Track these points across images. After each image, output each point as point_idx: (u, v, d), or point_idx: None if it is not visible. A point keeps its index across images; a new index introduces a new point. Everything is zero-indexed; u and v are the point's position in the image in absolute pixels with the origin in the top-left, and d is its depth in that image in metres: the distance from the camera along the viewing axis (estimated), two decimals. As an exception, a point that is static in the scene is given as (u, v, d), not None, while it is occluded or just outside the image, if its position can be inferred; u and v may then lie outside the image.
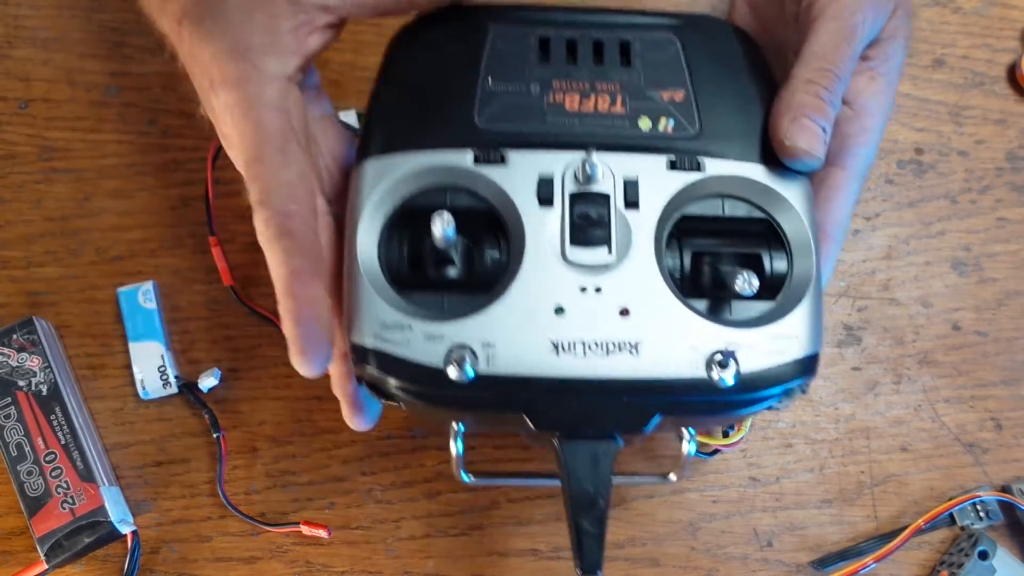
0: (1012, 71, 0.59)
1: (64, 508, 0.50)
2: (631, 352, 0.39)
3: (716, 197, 0.43)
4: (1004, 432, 0.54)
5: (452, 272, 0.41)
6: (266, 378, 0.54)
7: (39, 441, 0.51)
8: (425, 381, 0.39)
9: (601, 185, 0.41)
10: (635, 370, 0.39)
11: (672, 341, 0.40)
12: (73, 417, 0.51)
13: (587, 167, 0.41)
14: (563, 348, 0.39)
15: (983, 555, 0.50)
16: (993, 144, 0.58)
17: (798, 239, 0.42)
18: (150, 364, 0.53)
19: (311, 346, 0.39)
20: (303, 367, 0.40)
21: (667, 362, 0.39)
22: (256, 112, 0.41)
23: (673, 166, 0.42)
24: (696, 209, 0.42)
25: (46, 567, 0.49)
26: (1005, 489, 0.53)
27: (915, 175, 0.57)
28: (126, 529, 0.50)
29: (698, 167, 0.42)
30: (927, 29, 0.59)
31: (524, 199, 0.41)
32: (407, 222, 0.42)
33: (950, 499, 0.52)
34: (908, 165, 0.58)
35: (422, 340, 0.39)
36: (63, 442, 0.51)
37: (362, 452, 0.53)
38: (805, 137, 0.41)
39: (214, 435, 0.52)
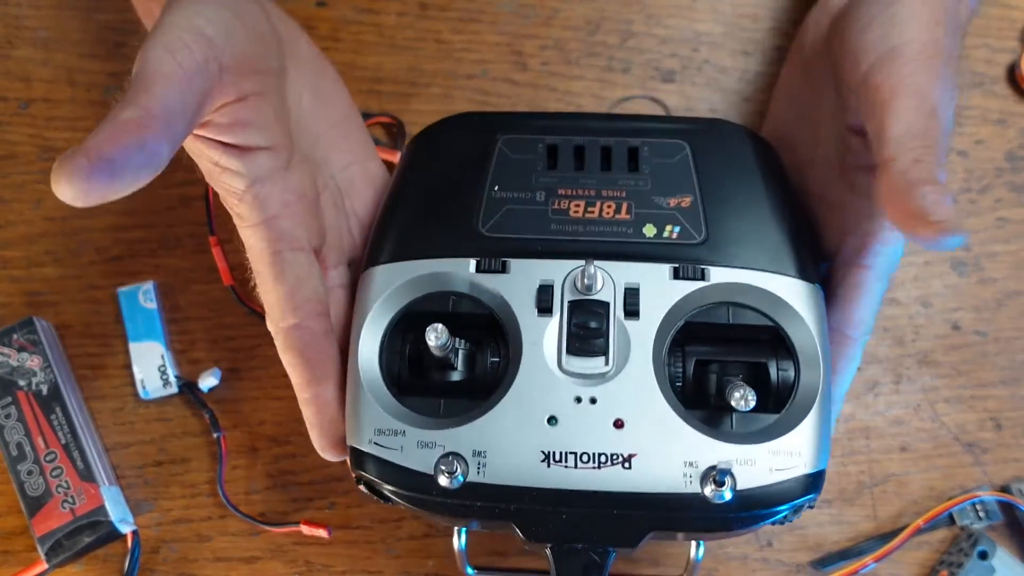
0: (1012, 71, 0.59)
1: (64, 508, 0.50)
2: (624, 465, 0.39)
3: (721, 305, 0.42)
4: (1004, 432, 0.54)
5: (453, 376, 0.42)
6: (266, 378, 0.54)
7: (39, 441, 0.51)
8: (416, 487, 0.40)
9: (601, 294, 0.41)
10: (627, 483, 0.39)
11: (667, 455, 0.39)
12: (73, 417, 0.51)
13: (586, 276, 0.41)
14: (554, 459, 0.39)
15: (983, 555, 0.50)
16: (993, 144, 0.58)
17: (806, 349, 0.41)
18: (150, 364, 0.53)
19: (328, 442, 0.44)
20: (325, 455, 0.44)
21: (661, 476, 0.39)
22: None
23: (676, 274, 0.42)
24: (701, 317, 0.42)
25: (46, 567, 0.49)
26: (1005, 489, 0.53)
27: (915, 175, 0.57)
28: (126, 529, 0.50)
29: (702, 276, 0.42)
30: (927, 29, 0.59)
31: (523, 307, 0.41)
32: (409, 327, 0.43)
33: (950, 499, 0.52)
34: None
35: (415, 447, 0.40)
36: (63, 442, 0.51)
37: (362, 452, 0.53)
38: (944, 210, 0.38)
39: (214, 435, 0.52)
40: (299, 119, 0.46)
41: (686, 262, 0.42)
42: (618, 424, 0.40)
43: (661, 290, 0.41)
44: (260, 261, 0.43)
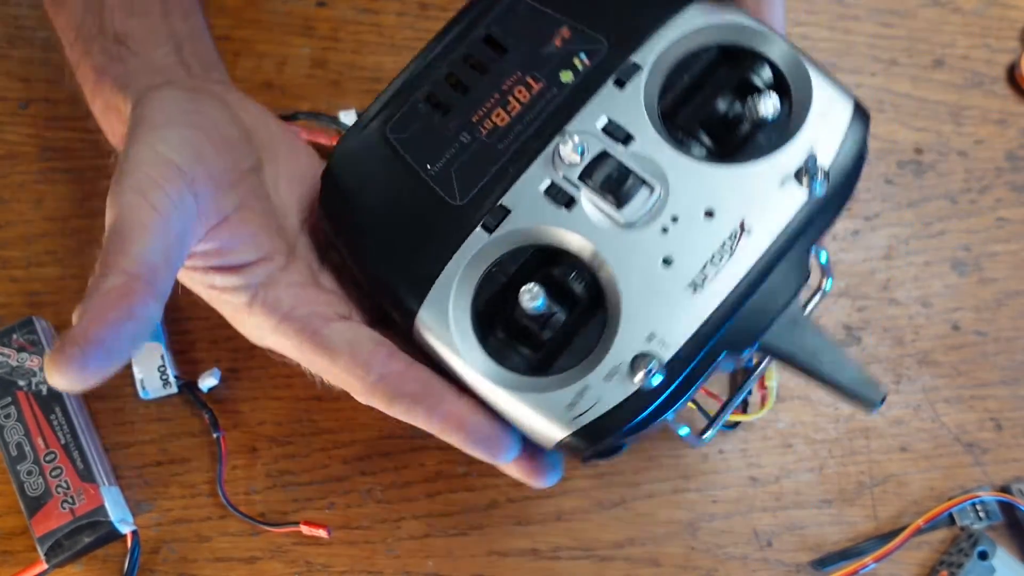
0: (1012, 71, 0.59)
1: (64, 508, 0.50)
2: (744, 234, 0.39)
3: (676, 69, 0.42)
4: (1004, 432, 0.54)
5: (559, 320, 0.40)
6: (266, 378, 0.54)
7: (39, 441, 0.51)
8: (638, 408, 0.39)
9: (591, 150, 0.41)
10: (759, 245, 0.39)
11: (757, 193, 0.40)
12: (73, 417, 0.51)
13: (566, 151, 0.40)
14: (698, 284, 0.39)
15: (983, 555, 0.50)
16: (993, 144, 0.58)
17: (764, 40, 0.42)
18: (150, 364, 0.53)
19: (501, 443, 0.41)
20: (506, 458, 0.41)
21: (774, 207, 0.39)
22: None
23: (620, 84, 0.42)
24: (672, 94, 0.42)
25: (46, 567, 0.49)
26: (1005, 489, 0.53)
27: (915, 175, 0.57)
28: (126, 529, 0.50)
29: (636, 67, 0.42)
30: (927, 29, 0.59)
31: (551, 217, 0.40)
32: (491, 327, 0.41)
33: (950, 499, 0.52)
34: (908, 165, 0.58)
35: (603, 384, 0.38)
36: (63, 442, 0.51)
37: (362, 452, 0.53)
38: None
39: (214, 435, 0.52)
40: (282, 208, 0.44)
41: (617, 70, 0.42)
42: (709, 214, 0.40)
43: (622, 105, 0.41)
44: (303, 353, 0.42)
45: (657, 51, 0.42)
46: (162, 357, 0.53)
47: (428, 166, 0.42)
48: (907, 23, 0.59)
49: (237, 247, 0.41)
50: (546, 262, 0.41)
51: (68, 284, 0.55)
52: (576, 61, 0.43)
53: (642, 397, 0.38)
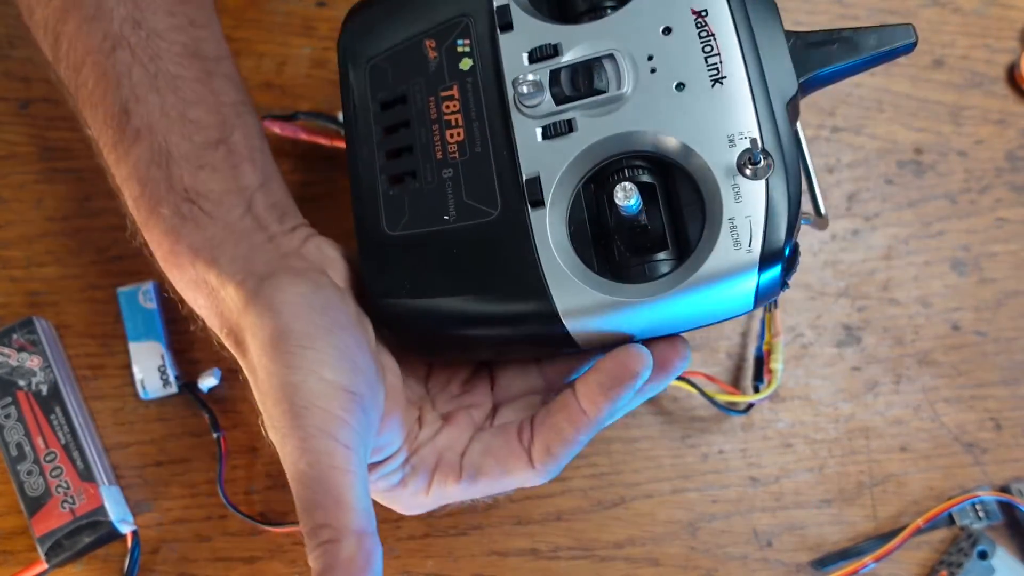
0: (1011, 71, 0.59)
1: (64, 508, 0.50)
2: (705, 15, 0.41)
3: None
4: (1003, 432, 0.54)
5: (653, 210, 0.40)
6: (266, 378, 0.54)
7: (39, 441, 0.51)
8: (780, 196, 0.39)
9: (542, 78, 0.41)
10: (722, 10, 0.41)
11: None
12: (73, 417, 0.51)
13: (527, 98, 0.41)
14: (716, 78, 0.40)
15: (982, 555, 0.50)
16: (992, 144, 0.58)
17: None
18: (150, 364, 0.53)
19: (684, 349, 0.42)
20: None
21: None
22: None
23: (506, 26, 0.42)
24: None
25: (46, 567, 0.49)
26: (1004, 489, 0.53)
27: (914, 175, 0.57)
28: (126, 529, 0.50)
29: (505, 6, 0.43)
30: (926, 29, 0.59)
31: (569, 149, 0.41)
32: (612, 266, 0.41)
33: (949, 499, 0.52)
34: (907, 165, 0.58)
35: (738, 207, 0.38)
36: (63, 442, 0.51)
37: (362, 452, 0.53)
38: None
39: (214, 435, 0.52)
40: (394, 385, 0.43)
41: (494, 20, 0.43)
42: (666, 30, 0.41)
43: (524, 34, 0.42)
44: (471, 493, 0.42)
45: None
46: (162, 357, 0.53)
47: (445, 217, 0.42)
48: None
49: (391, 440, 0.41)
50: (600, 185, 0.41)
51: (68, 284, 0.55)
52: (460, 49, 0.43)
53: (774, 183, 0.38)
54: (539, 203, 0.40)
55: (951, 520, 0.52)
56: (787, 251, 0.39)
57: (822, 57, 0.41)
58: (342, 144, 0.54)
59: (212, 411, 0.53)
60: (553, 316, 0.39)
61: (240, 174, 0.43)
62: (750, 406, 0.53)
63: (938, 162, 0.58)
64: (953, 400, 0.54)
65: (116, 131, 0.42)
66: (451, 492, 0.42)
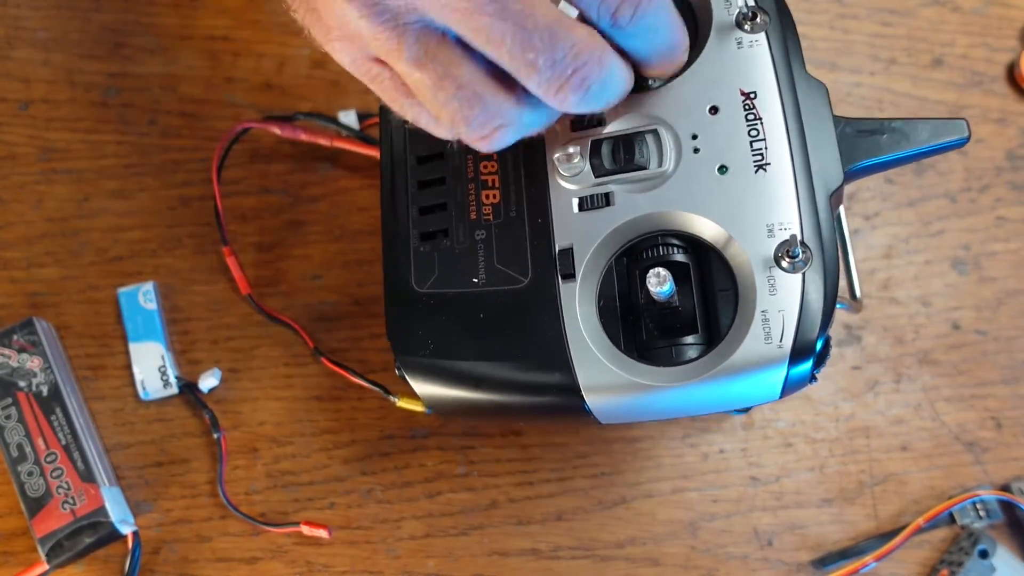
0: (1011, 70, 0.59)
1: (65, 509, 0.50)
2: (752, 97, 0.40)
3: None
4: (1004, 431, 0.54)
5: (685, 294, 0.40)
6: (266, 378, 0.54)
7: (40, 442, 0.51)
8: (815, 291, 0.38)
9: (583, 149, 0.41)
10: (772, 98, 0.40)
11: (731, 63, 0.40)
12: (74, 418, 0.51)
13: (565, 165, 0.40)
14: (760, 164, 0.39)
15: (983, 554, 0.50)
16: (992, 143, 0.58)
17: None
18: (150, 364, 0.53)
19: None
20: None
21: (757, 64, 0.40)
22: None
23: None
24: None
25: (47, 567, 0.49)
26: (1005, 488, 0.53)
27: (914, 174, 0.57)
28: (127, 529, 0.50)
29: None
30: (926, 28, 0.59)
31: (605, 222, 0.40)
32: (639, 347, 0.40)
33: (950, 498, 0.52)
34: (907, 165, 0.58)
35: (772, 299, 0.38)
36: (64, 443, 0.51)
37: (362, 452, 0.53)
38: None
39: (214, 435, 0.52)
40: None
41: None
42: (713, 110, 0.40)
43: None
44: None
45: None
46: (162, 358, 0.53)
47: (475, 280, 0.41)
48: (907, 22, 0.59)
49: None
50: (633, 261, 0.40)
51: (68, 285, 0.55)
52: None
53: (810, 278, 0.38)
54: (570, 276, 0.40)
55: (952, 519, 0.52)
56: (818, 346, 0.38)
57: (870, 147, 0.41)
58: (342, 144, 0.54)
59: (212, 411, 0.53)
60: (575, 391, 0.39)
61: None
62: (750, 406, 0.53)
63: (938, 161, 0.58)
64: (954, 399, 0.54)
65: None
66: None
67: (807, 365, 0.38)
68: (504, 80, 0.36)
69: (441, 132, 0.38)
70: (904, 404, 0.54)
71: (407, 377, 0.42)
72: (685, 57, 0.40)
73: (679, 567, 0.52)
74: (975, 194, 0.57)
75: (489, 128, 0.36)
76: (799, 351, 0.38)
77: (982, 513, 0.52)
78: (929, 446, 0.54)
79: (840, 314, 0.55)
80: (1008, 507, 0.52)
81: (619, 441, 0.53)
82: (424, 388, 0.42)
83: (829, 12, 0.60)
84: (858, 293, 0.50)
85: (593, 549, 0.52)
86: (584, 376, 0.39)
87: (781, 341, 0.37)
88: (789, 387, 0.39)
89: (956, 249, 0.56)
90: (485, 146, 0.37)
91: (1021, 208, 0.57)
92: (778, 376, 0.38)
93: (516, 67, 0.35)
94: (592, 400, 0.39)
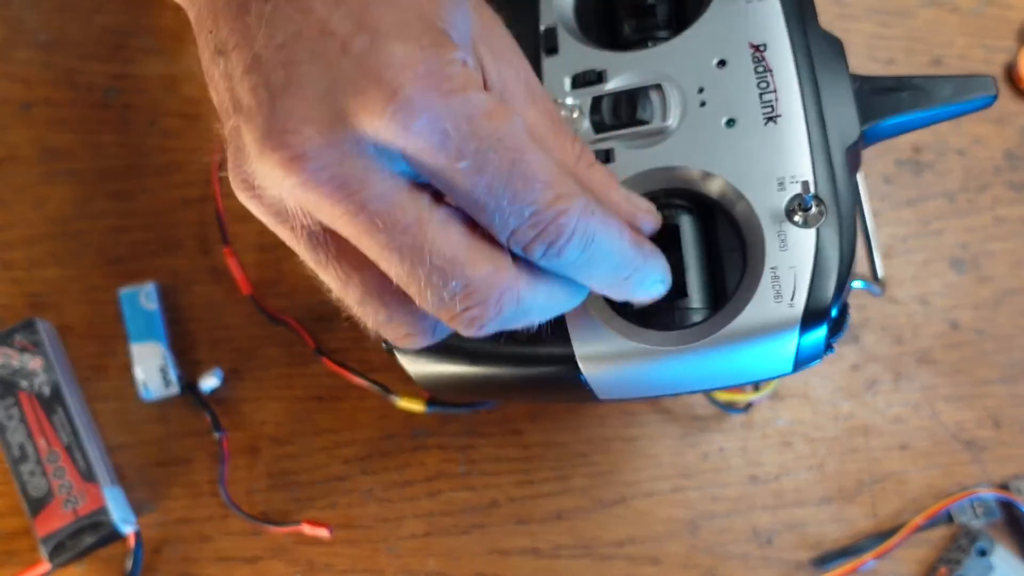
0: (1009, 71, 0.59)
1: (67, 508, 0.50)
2: (763, 49, 0.39)
3: None
4: (1002, 430, 0.54)
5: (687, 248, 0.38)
6: (267, 378, 0.54)
7: (41, 442, 0.51)
8: (829, 247, 0.35)
9: (583, 104, 0.40)
10: (783, 47, 0.39)
11: (740, 17, 0.39)
12: (75, 418, 0.51)
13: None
14: (770, 116, 0.38)
15: (981, 552, 0.50)
16: (991, 143, 0.58)
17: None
18: (152, 365, 0.53)
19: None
20: None
21: (768, 18, 0.39)
22: None
23: (551, 50, 0.41)
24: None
25: (50, 567, 0.50)
26: (1003, 486, 0.53)
27: (913, 174, 0.58)
28: (128, 529, 0.51)
29: (551, 30, 0.41)
30: (924, 29, 0.59)
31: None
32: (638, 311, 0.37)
33: (948, 497, 0.52)
34: (906, 164, 0.58)
35: (783, 255, 0.35)
36: (65, 443, 0.51)
37: (363, 452, 0.53)
38: None
39: (215, 435, 0.52)
40: None
41: (540, 42, 0.41)
42: (721, 63, 0.38)
43: (568, 58, 0.40)
44: None
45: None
46: (163, 358, 0.53)
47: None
48: (905, 23, 0.59)
49: None
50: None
51: (69, 286, 0.55)
52: None
53: (825, 233, 0.35)
54: None
55: (950, 518, 0.52)
56: (834, 311, 0.36)
57: (890, 104, 0.39)
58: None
59: (213, 411, 0.53)
60: (569, 359, 0.37)
61: None
62: (750, 404, 0.53)
63: (936, 161, 0.58)
64: (952, 398, 0.54)
65: None
66: None
67: (821, 331, 0.35)
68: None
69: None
70: (903, 403, 0.54)
71: (397, 354, 0.41)
72: (662, 287, 0.35)
73: (679, 566, 0.52)
74: (973, 194, 0.57)
75: (401, 333, 0.33)
76: (812, 313, 0.35)
77: (980, 512, 0.52)
78: (928, 445, 0.54)
79: (839, 313, 0.55)
80: (1006, 506, 0.52)
81: (618, 440, 0.53)
82: (415, 366, 0.41)
83: (828, 12, 0.60)
84: (880, 272, 0.48)
85: (593, 548, 0.52)
86: (580, 344, 0.37)
87: (792, 300, 0.35)
88: (803, 357, 0.36)
89: (954, 248, 0.56)
90: (405, 345, 0.34)
91: (1019, 208, 0.57)
92: (790, 342, 0.35)
93: (408, 291, 0.31)
94: (588, 370, 0.37)
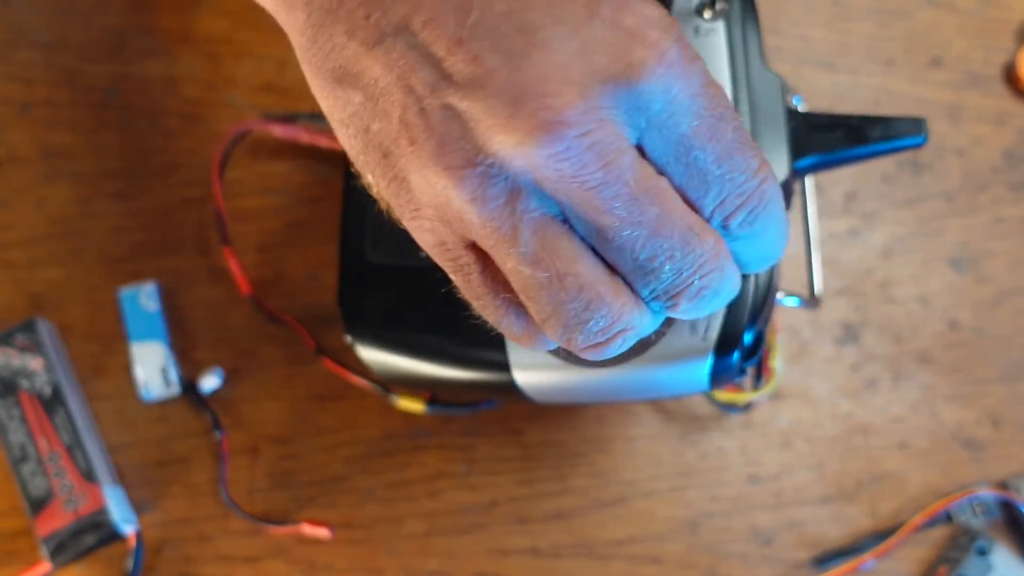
0: (1008, 71, 0.59)
1: (67, 508, 0.50)
2: None
3: None
4: (1002, 429, 0.54)
5: None
6: (268, 378, 0.54)
7: (42, 442, 0.51)
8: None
9: None
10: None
11: None
12: (76, 418, 0.51)
13: None
14: None
15: (981, 551, 0.51)
16: (990, 143, 0.58)
17: None
18: (152, 365, 0.53)
19: None
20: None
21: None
22: None
23: None
24: None
25: (51, 567, 0.50)
26: (1003, 486, 0.53)
27: (912, 174, 0.58)
28: (129, 529, 0.51)
29: None
30: (924, 29, 0.60)
31: None
32: None
33: (948, 496, 0.52)
34: (905, 164, 0.58)
35: None
36: (66, 443, 0.51)
37: (363, 451, 0.53)
38: None
39: (216, 435, 0.53)
40: None
41: None
42: None
43: None
44: None
45: None
46: (164, 358, 0.53)
47: (423, 254, 0.37)
48: (904, 23, 0.60)
49: None
50: None
51: (70, 285, 0.55)
52: None
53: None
54: None
55: (949, 517, 0.52)
56: (747, 340, 0.38)
57: (823, 143, 0.40)
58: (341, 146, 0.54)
59: (214, 411, 0.53)
60: (504, 367, 0.40)
61: None
62: (749, 404, 0.53)
63: (935, 161, 0.58)
64: (951, 398, 0.55)
65: None
66: None
67: (733, 358, 0.39)
68: (616, 279, 0.30)
69: (536, 340, 0.32)
70: (902, 403, 0.54)
71: (355, 344, 0.43)
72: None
73: (679, 565, 0.52)
74: (972, 194, 0.57)
75: (610, 334, 0.31)
76: (724, 343, 0.38)
77: (979, 511, 0.52)
78: (927, 444, 0.54)
79: (838, 313, 0.55)
80: (1006, 505, 0.52)
81: (618, 439, 0.54)
82: (371, 355, 0.43)
83: (827, 13, 0.60)
84: (817, 289, 0.50)
85: (593, 547, 0.52)
86: (514, 352, 0.39)
87: (705, 335, 0.38)
88: (717, 379, 0.40)
89: (954, 248, 0.57)
90: (596, 354, 0.31)
91: (1018, 208, 0.57)
92: (703, 368, 0.39)
93: (635, 269, 0.29)
94: (520, 377, 0.40)
